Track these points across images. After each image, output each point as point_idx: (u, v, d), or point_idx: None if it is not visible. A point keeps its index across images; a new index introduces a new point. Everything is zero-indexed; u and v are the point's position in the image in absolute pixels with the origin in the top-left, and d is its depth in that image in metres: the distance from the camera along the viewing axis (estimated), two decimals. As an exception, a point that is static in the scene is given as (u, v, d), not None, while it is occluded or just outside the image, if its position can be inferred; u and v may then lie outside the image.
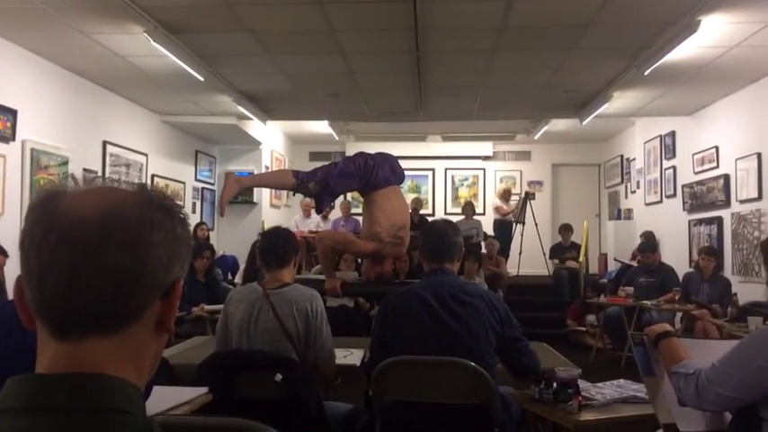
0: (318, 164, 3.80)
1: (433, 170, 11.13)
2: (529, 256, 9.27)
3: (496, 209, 9.35)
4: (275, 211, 9.87)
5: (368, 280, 3.62)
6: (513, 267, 8.86)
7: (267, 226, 8.75)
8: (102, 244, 0.63)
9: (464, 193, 11.11)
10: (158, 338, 0.69)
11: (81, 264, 0.62)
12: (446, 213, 10.60)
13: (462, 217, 8.87)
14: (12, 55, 4.99)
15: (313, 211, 8.49)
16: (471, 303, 2.24)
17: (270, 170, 9.14)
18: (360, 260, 5.33)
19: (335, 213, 9.32)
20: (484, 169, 11.07)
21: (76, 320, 0.63)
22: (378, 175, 3.49)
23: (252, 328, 2.54)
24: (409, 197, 9.68)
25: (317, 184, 3.47)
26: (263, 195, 9.26)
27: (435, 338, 2.21)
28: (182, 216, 0.70)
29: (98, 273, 0.62)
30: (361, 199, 3.73)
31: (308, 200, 8.74)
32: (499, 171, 11.06)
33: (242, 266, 6.64)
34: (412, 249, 5.73)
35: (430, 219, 8.55)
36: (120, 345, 0.64)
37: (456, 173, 11.15)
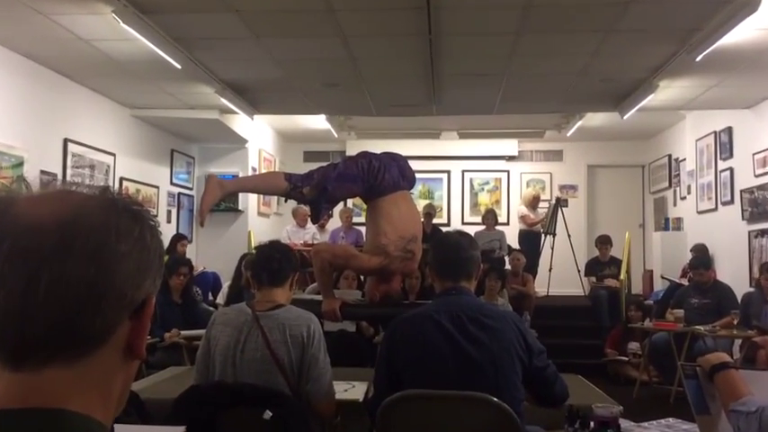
0: (314, 165, 3.82)
1: (448, 172, 11.16)
2: (560, 274, 9.24)
3: (522, 218, 9.36)
4: (264, 220, 9.90)
5: (372, 301, 3.62)
6: (541, 286, 8.84)
7: (254, 237, 8.83)
8: (62, 254, 0.62)
9: (484, 199, 11.13)
10: (127, 366, 0.69)
11: (37, 277, 0.61)
12: (463, 223, 10.61)
13: (483, 227, 8.87)
14: (-41, 39, 5.06)
15: (308, 221, 8.53)
16: (494, 327, 2.24)
17: (258, 172, 9.19)
18: (363, 278, 5.33)
19: (334, 223, 9.33)
20: (507, 171, 11.10)
21: (33, 345, 0.62)
22: (384, 179, 3.50)
23: (238, 357, 2.55)
24: (421, 204, 9.70)
25: (313, 189, 3.48)
26: (250, 202, 9.29)
27: (452, 369, 2.20)
28: (152, 223, 0.71)
29: (57, 288, 0.62)
30: (365, 206, 3.74)
31: (302, 207, 8.75)
32: (525, 174, 11.08)
33: (225, 285, 6.65)
34: (424, 265, 5.76)
35: (445, 229, 8.55)
36: (84, 373, 0.64)
37: (475, 176, 11.17)
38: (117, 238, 0.66)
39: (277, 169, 9.98)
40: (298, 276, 2.82)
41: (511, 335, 2.24)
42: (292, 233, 8.74)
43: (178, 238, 7.81)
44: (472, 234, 2.99)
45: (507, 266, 7.97)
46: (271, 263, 2.68)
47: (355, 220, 9.24)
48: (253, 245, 8.36)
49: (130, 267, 0.66)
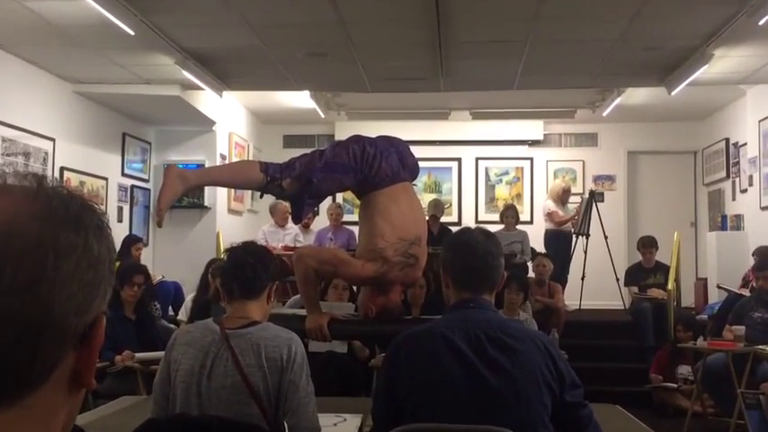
0: (297, 152, 3.82)
1: (458, 160, 11.19)
2: (595, 283, 9.26)
3: (549, 215, 9.37)
4: (235, 218, 9.92)
5: (367, 316, 3.63)
6: (572, 298, 8.85)
7: (224, 239, 8.84)
8: None
9: (503, 192, 11.15)
10: (73, 397, 0.69)
11: None
12: (477, 222, 10.63)
13: (500, 227, 8.88)
14: None
15: (290, 220, 8.53)
16: (518, 349, 2.24)
17: (228, 161, 9.18)
18: (355, 288, 5.32)
19: (321, 222, 9.33)
20: (531, 159, 11.12)
21: None
22: (380, 168, 3.52)
23: (204, 384, 2.55)
24: (426, 199, 9.72)
25: (295, 182, 3.49)
26: (219, 197, 9.30)
27: (467, 399, 2.20)
28: (99, 223, 0.70)
29: None
30: (357, 202, 3.73)
31: (282, 204, 8.75)
32: (553, 162, 11.10)
33: (189, 297, 6.65)
34: (430, 272, 5.78)
35: (455, 229, 8.54)
36: (22, 416, 0.64)
37: (491, 164, 11.20)
38: (56, 258, 0.65)
39: (251, 157, 9.98)
40: (277, 287, 2.82)
41: (538, 358, 2.24)
42: (270, 235, 8.74)
43: (132, 242, 7.80)
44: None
45: (530, 274, 7.98)
46: (244, 270, 2.68)
47: (346, 218, 9.24)
48: (222, 248, 8.36)
49: (74, 291, 0.66)
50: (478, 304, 2.36)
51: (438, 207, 9.17)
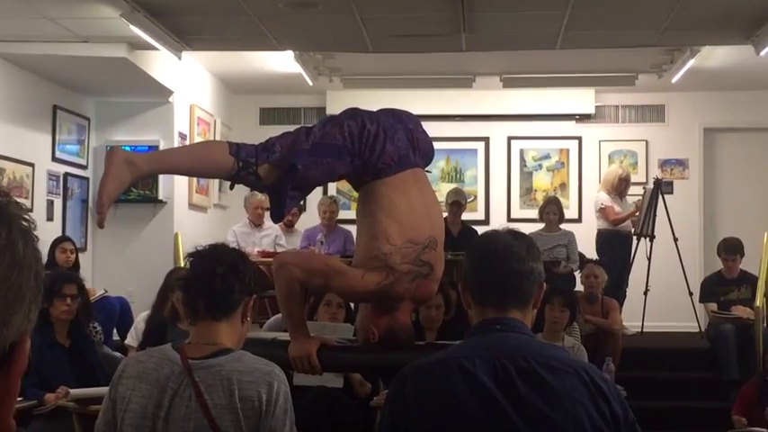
0: (277, 130, 3.82)
1: (485, 141, 11.19)
2: (662, 298, 9.25)
3: (603, 211, 9.36)
4: (199, 216, 9.94)
5: (368, 341, 3.64)
6: (632, 318, 8.86)
7: (184, 243, 8.85)
8: None
9: (543, 182, 11.15)
10: None
11: None
12: (510, 219, 10.64)
13: (540, 226, 8.87)
14: None
15: (267, 218, 8.53)
16: (558, 386, 2.22)
17: (188, 142, 9.18)
18: (353, 305, 5.31)
19: (308, 220, 9.33)
20: (579, 139, 11.12)
21: None
22: (385, 151, 3.53)
23: (160, 429, 2.55)
24: (444, 190, 9.69)
25: (275, 168, 3.51)
26: (177, 189, 9.30)
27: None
28: (25, 224, 0.71)
29: None
30: (356, 194, 3.73)
31: (258, 197, 8.74)
32: (607, 142, 11.10)
33: (140, 316, 6.66)
34: (449, 286, 5.75)
35: (481, 230, 8.53)
36: None
37: (529, 145, 11.20)
38: None
39: (218, 137, 9.99)
40: (254, 302, 2.82)
41: (586, 397, 2.23)
42: (243, 237, 8.76)
43: (57, 243, 7.73)
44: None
45: (579, 287, 7.97)
46: (212, 282, 2.67)
47: (341, 215, 9.24)
48: (182, 254, 8.36)
49: None
50: (507, 325, 2.36)
51: (460, 193, 9.15)
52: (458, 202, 8.82)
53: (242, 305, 2.73)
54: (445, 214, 8.23)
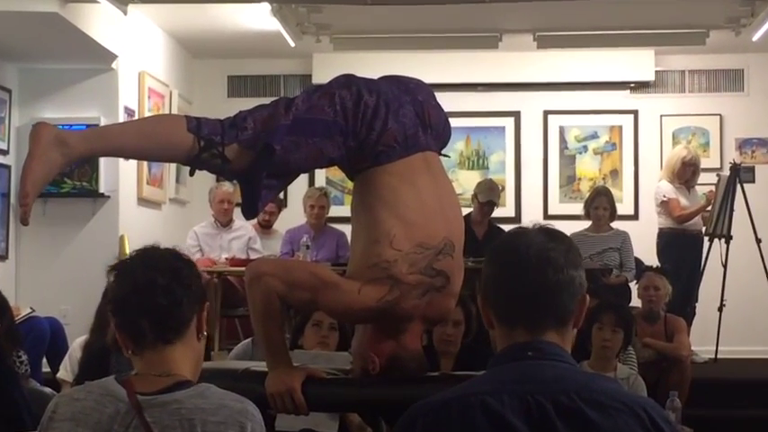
0: (250, 103, 3.81)
1: (516, 116, 11.21)
2: (741, 315, 9.26)
3: (665, 205, 9.34)
4: (150, 213, 9.97)
5: (366, 372, 3.64)
6: (704, 341, 8.89)
7: (131, 247, 8.81)
8: None
9: (589, 168, 11.17)
10: None
11: None
12: (547, 216, 10.66)
13: (587, 224, 8.86)
14: None
15: (238, 215, 8.51)
16: (608, 428, 2.23)
17: (137, 117, 9.16)
18: (348, 327, 5.31)
19: (291, 218, 9.33)
20: (635, 113, 11.14)
21: None
22: (387, 129, 3.53)
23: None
24: (463, 180, 9.69)
25: (247, 149, 3.51)
26: (123, 178, 9.31)
27: None
28: None
29: None
30: (350, 185, 3.71)
31: (225, 188, 8.74)
32: (671, 117, 11.12)
33: (75, 342, 6.66)
34: (471, 300, 5.73)
35: (509, 228, 8.52)
36: None
37: (571, 122, 11.23)
38: None
39: (175, 111, 10.00)
40: (208, 313, 2.80)
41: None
42: (207, 239, 8.77)
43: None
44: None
45: (635, 302, 7.96)
46: (153, 296, 2.66)
47: (333, 212, 9.25)
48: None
49: None
50: (542, 351, 2.34)
51: (494, 189, 9.14)
52: (492, 202, 8.79)
53: (194, 319, 2.72)
54: (467, 210, 8.25)
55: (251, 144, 3.50)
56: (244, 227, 8.81)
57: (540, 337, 2.36)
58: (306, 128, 3.50)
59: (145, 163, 9.37)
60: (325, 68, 9.74)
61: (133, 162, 9.08)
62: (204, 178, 9.72)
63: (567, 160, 11.18)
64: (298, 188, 9.05)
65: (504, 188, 10.84)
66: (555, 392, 2.26)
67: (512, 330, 2.39)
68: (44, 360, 7.61)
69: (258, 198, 3.62)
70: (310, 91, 3.68)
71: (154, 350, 2.68)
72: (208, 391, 2.63)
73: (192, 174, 3.74)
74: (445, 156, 3.88)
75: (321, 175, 10.08)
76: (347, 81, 3.63)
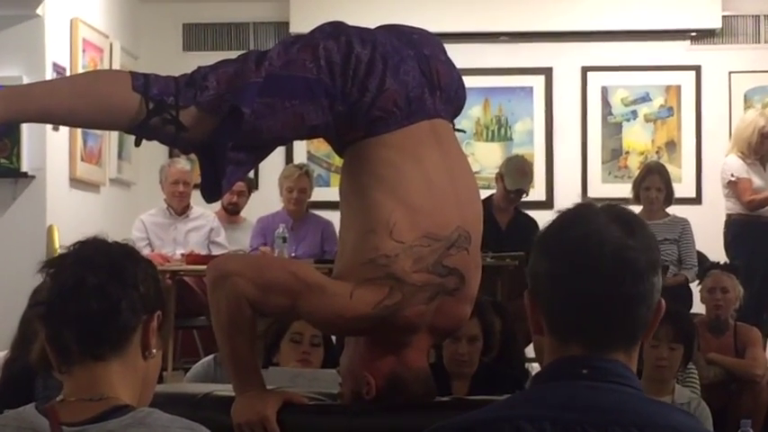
0: (212, 58, 3.81)
1: (547, 74, 11.24)
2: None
3: (734, 186, 9.36)
4: (86, 197, 10.01)
5: (359, 396, 3.65)
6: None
7: (62, 239, 8.82)
8: None
9: (639, 139, 11.20)
10: None
11: None
12: (585, 195, 10.61)
13: (637, 209, 8.86)
14: None
15: (196, 200, 8.51)
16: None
17: (69, 74, 9.16)
18: (335, 339, 5.31)
19: (263, 203, 9.34)
20: (697, 69, 11.18)
21: None
22: (384, 89, 3.54)
23: None
24: (479, 154, 9.70)
25: (207, 113, 3.52)
26: (51, 154, 9.32)
27: None
28: None
29: None
30: (338, 161, 3.70)
31: (180, 164, 8.74)
32: (741, 74, 11.14)
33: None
34: (492, 308, 5.71)
35: (537, 215, 8.53)
36: None
37: (615, 81, 11.26)
38: None
39: (117, 68, 9.97)
40: (161, 322, 2.77)
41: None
42: (157, 230, 8.80)
43: None
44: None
45: (698, 308, 7.97)
46: (80, 299, 2.64)
47: (317, 195, 9.27)
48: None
49: None
50: (600, 370, 2.32)
51: (525, 175, 9.12)
52: (521, 191, 8.77)
53: (139, 330, 2.68)
54: (487, 192, 8.24)
55: (213, 107, 3.50)
56: (204, 215, 8.81)
57: (602, 354, 2.33)
58: (282, 88, 3.50)
59: (79, 136, 9.41)
60: (307, 15, 9.74)
61: (64, 134, 9.14)
62: (153, 154, 9.80)
63: (612, 129, 11.21)
64: (272, 166, 9.06)
65: (532, 165, 10.82)
66: (611, 424, 2.24)
67: (565, 343, 2.36)
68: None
69: (222, 176, 3.61)
70: (288, 42, 3.68)
71: (83, 368, 2.64)
72: (149, 418, 2.60)
73: (137, 144, 3.72)
74: (460, 131, 3.88)
75: (302, 150, 10.09)
76: (334, 30, 3.62)
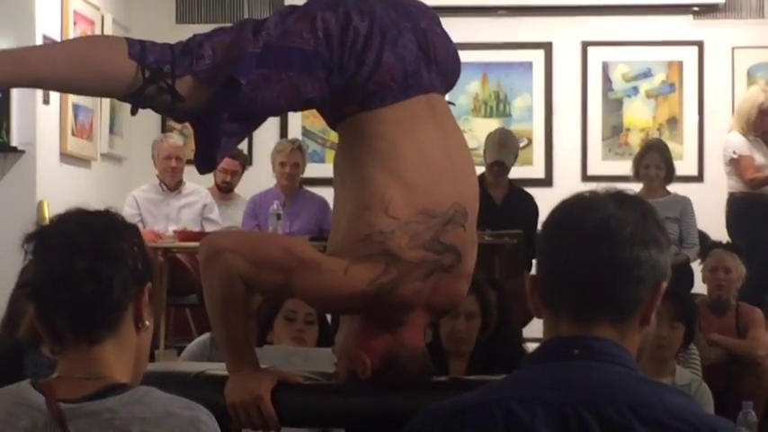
0: (203, 29, 3.80)
1: (546, 48, 11.24)
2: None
3: (736, 164, 9.35)
4: (77, 172, 10.00)
5: (354, 376, 3.66)
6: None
7: (51, 213, 8.78)
8: None
9: (640, 115, 11.20)
10: None
11: None
12: (586, 177, 10.68)
13: (638, 187, 8.87)
14: None
15: (189, 175, 8.52)
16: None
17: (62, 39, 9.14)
18: (330, 318, 5.31)
19: (257, 180, 9.34)
20: (699, 44, 11.18)
21: None
22: (381, 62, 3.54)
23: None
24: (477, 129, 9.69)
25: (203, 82, 3.52)
26: (42, 127, 9.30)
27: None
28: None
29: None
30: (333, 136, 3.70)
31: (172, 140, 8.72)
32: (745, 50, 11.13)
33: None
34: (489, 285, 5.71)
35: (535, 192, 8.53)
36: None
37: (617, 56, 11.27)
38: None
39: (108, 31, 10.00)
40: (152, 295, 2.76)
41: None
42: (150, 206, 8.79)
43: None
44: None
45: (699, 287, 7.98)
46: (71, 283, 2.64)
47: (311, 171, 9.27)
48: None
49: None
50: (591, 349, 2.33)
51: (507, 144, 9.10)
52: (500, 162, 8.73)
53: (131, 307, 2.68)
54: (480, 170, 8.22)
55: (209, 77, 3.49)
56: (197, 191, 8.79)
57: (590, 331, 2.34)
58: (279, 59, 3.50)
59: (69, 110, 9.39)
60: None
61: (55, 108, 9.12)
62: (145, 128, 9.80)
63: (612, 105, 11.19)
64: (266, 141, 9.05)
65: (530, 141, 10.91)
66: (602, 405, 2.24)
67: (557, 320, 2.37)
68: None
69: (216, 146, 3.61)
70: (284, 12, 3.67)
71: (78, 350, 2.65)
72: (148, 397, 2.61)
73: (133, 113, 3.70)
74: (450, 103, 3.87)
75: (296, 125, 10.07)
76: (332, 0, 3.61)
